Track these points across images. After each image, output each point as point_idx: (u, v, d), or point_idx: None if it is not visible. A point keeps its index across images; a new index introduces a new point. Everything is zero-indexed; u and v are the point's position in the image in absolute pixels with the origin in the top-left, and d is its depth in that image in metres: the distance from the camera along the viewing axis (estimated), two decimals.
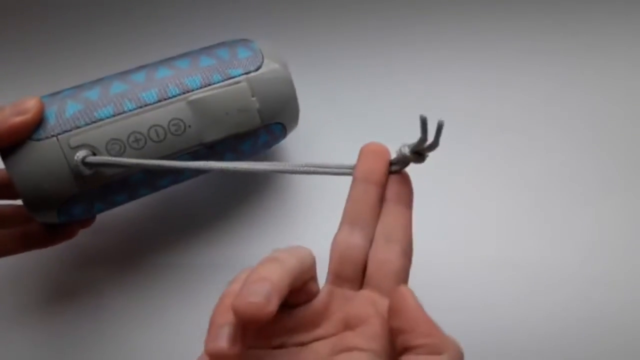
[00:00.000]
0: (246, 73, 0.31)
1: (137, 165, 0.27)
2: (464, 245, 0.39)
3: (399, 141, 0.37)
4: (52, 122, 0.27)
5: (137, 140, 0.28)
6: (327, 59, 0.43)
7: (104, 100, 0.28)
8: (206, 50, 0.32)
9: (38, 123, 0.26)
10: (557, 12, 0.44)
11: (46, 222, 0.30)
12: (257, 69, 0.31)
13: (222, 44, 0.33)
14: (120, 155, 0.28)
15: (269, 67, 0.31)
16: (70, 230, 0.32)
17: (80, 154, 0.27)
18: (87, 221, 0.32)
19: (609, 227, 0.39)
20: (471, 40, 0.44)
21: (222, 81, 0.30)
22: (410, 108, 0.39)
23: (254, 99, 0.30)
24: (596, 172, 0.41)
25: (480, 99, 0.42)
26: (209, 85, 0.30)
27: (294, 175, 0.40)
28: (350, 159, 0.26)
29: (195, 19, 0.42)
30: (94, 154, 0.27)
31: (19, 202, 0.31)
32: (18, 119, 0.26)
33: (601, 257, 0.38)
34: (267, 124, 0.32)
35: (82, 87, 0.29)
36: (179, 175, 0.32)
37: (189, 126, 0.29)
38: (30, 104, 0.26)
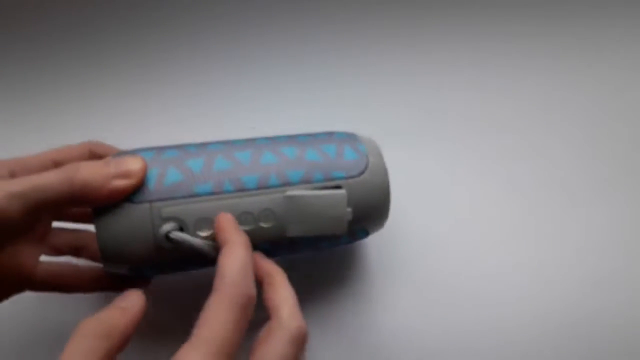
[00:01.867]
0: (348, 177, 0.30)
1: (214, 255, 0.26)
2: (460, 246, 0.39)
3: (393, 139, 0.39)
4: (150, 188, 0.26)
5: None
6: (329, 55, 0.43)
7: (205, 175, 0.27)
8: (313, 141, 0.31)
9: (139, 187, 0.26)
10: (555, 15, 0.44)
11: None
12: (359, 174, 0.30)
13: (329, 137, 0.32)
14: (206, 231, 0.27)
15: (371, 174, 0.31)
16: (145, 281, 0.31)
17: (166, 228, 0.26)
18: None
19: (605, 229, 0.39)
20: (470, 43, 0.44)
21: (324, 181, 0.29)
22: (408, 108, 0.42)
23: (349, 210, 0.29)
24: (592, 174, 0.41)
25: (477, 101, 0.42)
26: (310, 182, 0.29)
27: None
28: None
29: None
30: (181, 229, 0.26)
31: None
32: (122, 183, 0.25)
33: (597, 259, 0.39)
34: (353, 230, 0.31)
35: (186, 151, 0.29)
36: None
37: (279, 219, 0.28)
38: (135, 168, 0.26)
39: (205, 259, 0.28)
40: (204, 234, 0.27)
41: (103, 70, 0.42)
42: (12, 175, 0.27)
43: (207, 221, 0.27)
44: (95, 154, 0.30)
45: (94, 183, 0.25)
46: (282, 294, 0.25)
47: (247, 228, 0.28)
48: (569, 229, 0.39)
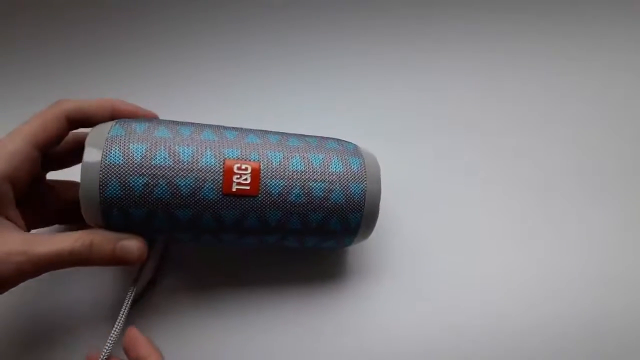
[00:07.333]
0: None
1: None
2: (463, 248, 0.38)
3: (391, 144, 0.40)
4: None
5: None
6: (318, 57, 0.43)
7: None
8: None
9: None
10: (557, 15, 0.44)
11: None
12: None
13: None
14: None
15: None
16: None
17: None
18: None
19: (610, 229, 0.39)
20: (471, 42, 0.43)
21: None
22: (408, 109, 0.42)
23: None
24: (592, 175, 0.41)
25: (479, 101, 0.42)
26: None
27: None
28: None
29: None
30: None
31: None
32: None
33: (602, 258, 0.38)
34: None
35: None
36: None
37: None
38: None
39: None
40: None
41: (102, 69, 0.42)
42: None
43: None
44: (117, 111, 0.31)
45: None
46: None
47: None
48: (567, 232, 0.39)
